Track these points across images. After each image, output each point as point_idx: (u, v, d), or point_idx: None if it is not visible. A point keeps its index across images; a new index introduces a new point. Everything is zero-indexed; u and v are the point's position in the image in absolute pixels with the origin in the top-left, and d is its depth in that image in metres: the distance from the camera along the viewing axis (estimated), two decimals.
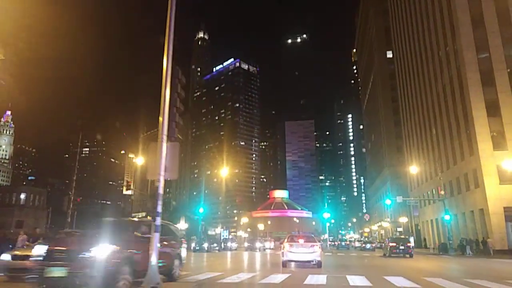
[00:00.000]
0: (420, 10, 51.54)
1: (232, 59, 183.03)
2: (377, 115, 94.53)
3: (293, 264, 16.88)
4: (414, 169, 47.35)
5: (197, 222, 56.88)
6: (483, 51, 37.31)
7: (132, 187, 39.07)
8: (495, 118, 35.32)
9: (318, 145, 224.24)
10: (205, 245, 32.03)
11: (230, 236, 79.62)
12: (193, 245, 33.17)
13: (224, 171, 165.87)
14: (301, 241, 16.76)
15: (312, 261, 16.02)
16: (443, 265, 19.22)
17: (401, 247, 28.06)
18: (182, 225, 43.23)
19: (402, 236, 42.07)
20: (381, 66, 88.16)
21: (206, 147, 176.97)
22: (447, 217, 32.95)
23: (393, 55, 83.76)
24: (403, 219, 58.38)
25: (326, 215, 43.00)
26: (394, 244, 28.80)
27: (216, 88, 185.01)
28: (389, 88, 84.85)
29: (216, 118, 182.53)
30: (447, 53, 42.41)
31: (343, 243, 58.01)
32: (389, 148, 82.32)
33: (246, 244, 44.39)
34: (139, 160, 33.52)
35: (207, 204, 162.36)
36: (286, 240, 17.40)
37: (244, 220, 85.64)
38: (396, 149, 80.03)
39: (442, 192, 34.34)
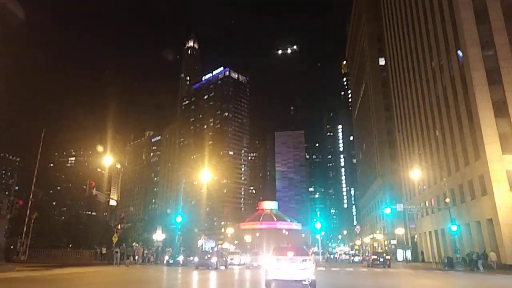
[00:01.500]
0: (417, 10, 49.10)
1: (221, 68, 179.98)
2: (368, 124, 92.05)
3: (279, 284, 13.07)
4: (413, 175, 44.07)
5: (183, 233, 52.52)
6: (488, 48, 34.64)
7: (108, 195, 34.72)
8: (503, 119, 32.43)
9: (307, 157, 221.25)
10: (180, 258, 27.66)
11: (216, 248, 74.43)
12: (166, 258, 28.86)
13: (212, 180, 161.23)
14: (290, 254, 13.05)
15: (304, 280, 12.41)
16: None
17: (381, 259, 33.92)
18: (158, 235, 38.85)
19: (381, 250, 50.92)
20: (373, 74, 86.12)
21: (194, 156, 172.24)
22: (454, 228, 29.55)
23: (386, 62, 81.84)
24: (400, 231, 54.83)
25: (318, 225, 38.96)
26: (376, 257, 34.80)
27: (205, 97, 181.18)
28: (382, 96, 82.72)
29: (205, 127, 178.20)
30: (448, 52, 39.70)
31: (331, 256, 57.94)
32: (381, 157, 79.55)
33: (196, 260, 27.29)
34: (106, 160, 29.20)
35: (194, 215, 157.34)
36: (271, 252, 13.61)
37: (230, 231, 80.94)
38: (389, 158, 77.28)
39: (448, 200, 30.99)
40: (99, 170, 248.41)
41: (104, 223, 45.84)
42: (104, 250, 28.41)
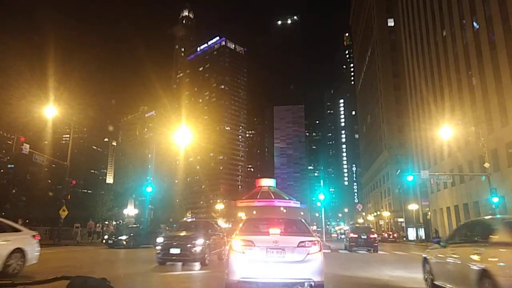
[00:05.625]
0: None
1: (217, 38, 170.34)
2: (374, 94, 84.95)
3: None
4: (432, 142, 37.34)
5: (163, 208, 46.50)
6: None
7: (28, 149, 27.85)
8: None
9: (307, 134, 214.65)
10: (124, 237, 20.56)
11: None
12: (106, 237, 22.54)
13: (207, 157, 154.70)
14: (275, 232, 6.48)
15: (303, 283, 6.16)
16: None
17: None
18: (130, 210, 32.61)
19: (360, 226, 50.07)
20: (381, 37, 78.52)
21: (191, 132, 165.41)
22: (495, 200, 23.01)
23: (395, 23, 74.41)
24: (413, 206, 48.63)
25: (321, 196, 32.66)
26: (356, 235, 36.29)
27: (200, 69, 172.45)
28: (390, 62, 75.73)
29: (200, 100, 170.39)
30: None
31: None
32: (388, 129, 73.06)
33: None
34: (49, 111, 22.34)
35: (188, 192, 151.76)
36: (240, 230, 7.00)
37: (220, 206, 75.57)
38: (397, 129, 70.91)
39: (487, 165, 24.41)
40: (94, 147, 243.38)
41: (47, 196, 39.57)
42: None
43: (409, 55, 57.23)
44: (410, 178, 28.06)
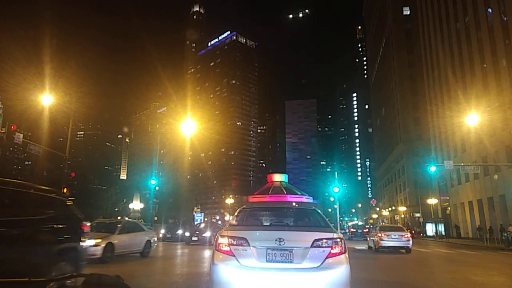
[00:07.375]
0: None
1: (228, 32, 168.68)
2: (389, 85, 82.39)
3: None
4: (451, 131, 35.12)
5: (168, 203, 45.42)
6: None
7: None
8: None
9: (319, 129, 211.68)
10: None
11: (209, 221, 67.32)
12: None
13: (219, 152, 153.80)
14: (280, 225, 5.19)
15: None
16: None
17: (358, 231, 40.40)
18: (135, 204, 31.48)
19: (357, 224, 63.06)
20: (396, 26, 75.91)
21: (200, 127, 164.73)
22: None
23: (410, 11, 71.96)
24: (432, 201, 46.45)
25: (336, 189, 30.73)
26: (354, 230, 41.99)
27: (211, 64, 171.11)
28: (405, 51, 73.11)
29: (211, 96, 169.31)
30: None
31: None
32: (404, 121, 70.69)
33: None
34: (46, 99, 21.14)
35: (201, 188, 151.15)
36: (230, 223, 5.38)
37: (230, 201, 74.32)
38: (413, 121, 68.46)
39: None
40: (108, 144, 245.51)
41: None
42: None
43: (427, 44, 54.77)
44: (433, 168, 26.18)
